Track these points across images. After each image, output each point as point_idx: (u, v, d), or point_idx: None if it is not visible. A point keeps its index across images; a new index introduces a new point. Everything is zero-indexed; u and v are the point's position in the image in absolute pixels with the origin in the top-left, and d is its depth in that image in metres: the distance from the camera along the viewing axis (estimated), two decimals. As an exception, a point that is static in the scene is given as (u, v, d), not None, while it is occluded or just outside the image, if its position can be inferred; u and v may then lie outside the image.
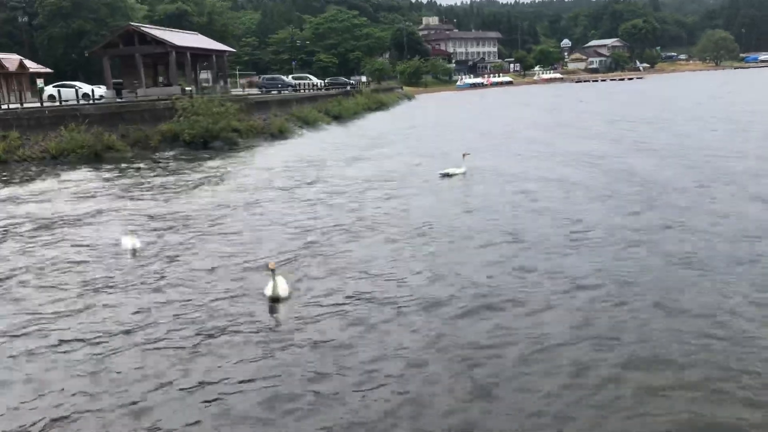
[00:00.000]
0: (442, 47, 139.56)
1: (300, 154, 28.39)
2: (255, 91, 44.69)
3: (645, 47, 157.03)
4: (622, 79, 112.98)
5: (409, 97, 79.01)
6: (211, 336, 8.03)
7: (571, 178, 17.61)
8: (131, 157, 28.67)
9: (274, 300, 8.86)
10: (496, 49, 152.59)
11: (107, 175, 24.02)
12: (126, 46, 37.43)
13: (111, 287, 10.08)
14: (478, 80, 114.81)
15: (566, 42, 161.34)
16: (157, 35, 36.70)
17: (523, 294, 8.84)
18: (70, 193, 20.04)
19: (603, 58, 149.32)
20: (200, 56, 41.65)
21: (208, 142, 31.18)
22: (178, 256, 11.83)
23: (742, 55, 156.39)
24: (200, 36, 43.42)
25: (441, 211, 14.12)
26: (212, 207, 16.55)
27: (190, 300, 9.34)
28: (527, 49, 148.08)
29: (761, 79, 75.24)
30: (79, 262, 11.68)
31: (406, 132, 36.56)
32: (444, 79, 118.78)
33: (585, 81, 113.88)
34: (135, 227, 14.12)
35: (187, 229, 14.00)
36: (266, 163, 25.66)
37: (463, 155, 18.65)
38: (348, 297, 9.14)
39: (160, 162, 27.18)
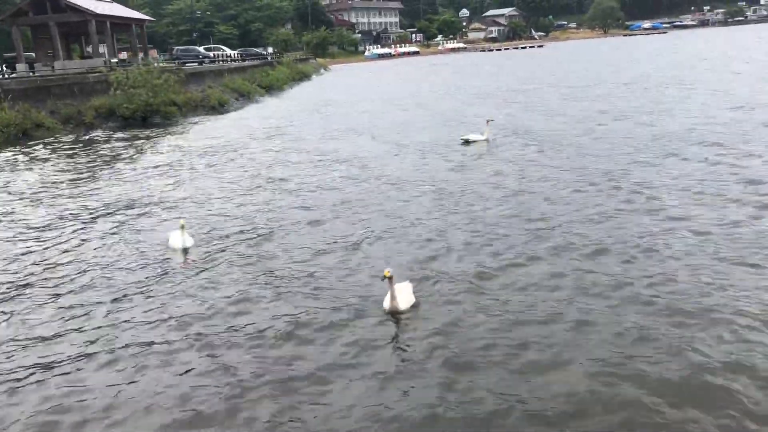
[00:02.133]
0: (345, 17, 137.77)
1: (259, 125, 27.04)
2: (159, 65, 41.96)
3: (539, 16, 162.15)
4: (525, 47, 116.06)
5: (324, 68, 77.55)
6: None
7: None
8: (66, 135, 26.34)
9: (394, 313, 7.17)
10: (397, 20, 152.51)
11: (56, 155, 21.85)
12: (38, 15, 34.16)
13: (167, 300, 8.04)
14: (386, 50, 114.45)
15: (465, 12, 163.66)
16: (74, 2, 33.67)
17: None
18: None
19: (501, 28, 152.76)
20: (120, 26, 38.70)
21: (147, 117, 29.17)
22: (232, 260, 9.35)
23: (627, 23, 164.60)
24: (116, 4, 40.26)
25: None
26: (216, 187, 15.38)
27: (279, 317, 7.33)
28: (427, 19, 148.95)
29: (670, 44, 79.24)
30: (119, 265, 9.52)
31: (354, 102, 35.64)
32: (350, 50, 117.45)
33: (489, 50, 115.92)
34: (162, 212, 12.35)
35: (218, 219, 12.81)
36: (229, 134, 24.21)
37: (487, 122, 17.76)
38: (473, 305, 7.37)
39: (99, 140, 25.01)
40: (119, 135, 25.98)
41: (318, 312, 7.39)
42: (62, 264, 9.68)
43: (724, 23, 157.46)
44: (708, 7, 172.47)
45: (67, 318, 7.65)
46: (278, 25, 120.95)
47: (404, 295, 7.36)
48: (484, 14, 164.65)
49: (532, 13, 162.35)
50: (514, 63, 66.21)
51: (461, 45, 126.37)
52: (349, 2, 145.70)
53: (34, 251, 10.43)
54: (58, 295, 8.41)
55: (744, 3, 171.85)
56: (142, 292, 8.30)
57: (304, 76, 57.53)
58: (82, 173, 17.75)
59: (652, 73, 37.87)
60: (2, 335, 7.28)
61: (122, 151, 21.60)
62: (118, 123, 28.62)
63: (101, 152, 21.70)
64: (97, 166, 18.91)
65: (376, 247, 9.62)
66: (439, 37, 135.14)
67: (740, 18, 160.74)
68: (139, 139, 24.64)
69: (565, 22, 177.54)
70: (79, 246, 10.58)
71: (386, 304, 7.29)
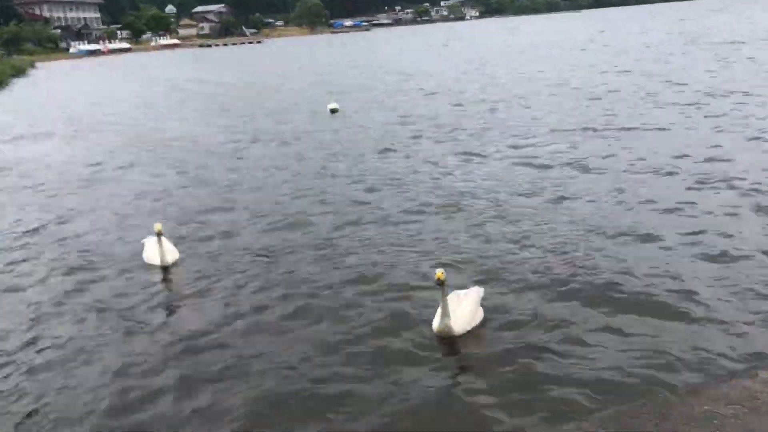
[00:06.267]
0: (37, 11, 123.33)
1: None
2: None
3: (248, 13, 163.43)
4: (243, 44, 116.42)
5: (32, 65, 69.27)
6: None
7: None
8: None
9: (446, 337, 5.21)
10: (98, 15, 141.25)
11: None
12: None
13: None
14: (96, 47, 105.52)
15: (171, 8, 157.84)
16: None
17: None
18: None
19: (213, 24, 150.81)
20: None
21: None
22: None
23: (331, 21, 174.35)
24: None
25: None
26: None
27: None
28: (133, 15, 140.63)
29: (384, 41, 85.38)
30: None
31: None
32: (50, 47, 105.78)
33: (207, 46, 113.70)
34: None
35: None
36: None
37: (329, 93, 21.06)
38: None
39: None
40: None
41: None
42: None
43: (414, 21, 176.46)
44: (399, 7, 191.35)
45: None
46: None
47: (464, 311, 5.19)
48: (193, 11, 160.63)
49: (241, 10, 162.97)
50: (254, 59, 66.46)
51: (176, 41, 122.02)
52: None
53: None
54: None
55: (428, 4, 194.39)
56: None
57: (20, 71, 51.03)
58: None
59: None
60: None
61: None
62: None
63: None
64: None
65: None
66: (149, 34, 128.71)
67: (426, 18, 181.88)
68: None
69: (273, 20, 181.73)
70: None
71: (435, 323, 5.18)
